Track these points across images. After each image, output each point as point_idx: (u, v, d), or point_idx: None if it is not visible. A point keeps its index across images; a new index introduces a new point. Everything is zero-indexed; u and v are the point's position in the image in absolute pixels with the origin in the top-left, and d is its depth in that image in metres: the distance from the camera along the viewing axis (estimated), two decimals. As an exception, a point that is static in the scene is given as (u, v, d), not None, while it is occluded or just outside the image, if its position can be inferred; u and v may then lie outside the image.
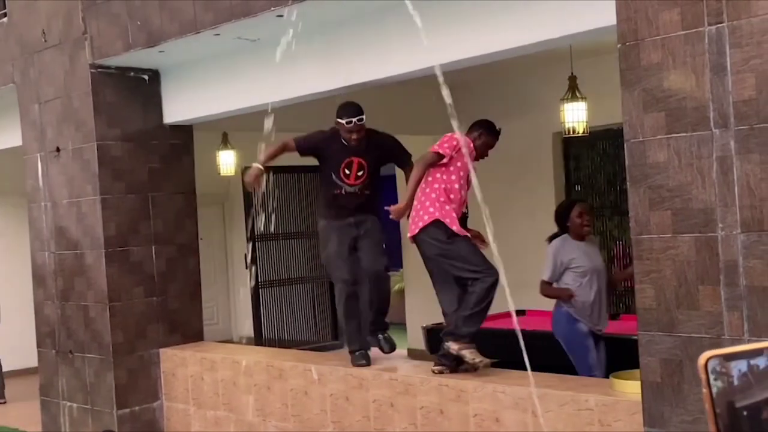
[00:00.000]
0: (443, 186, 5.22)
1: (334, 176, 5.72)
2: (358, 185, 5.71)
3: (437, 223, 5.15)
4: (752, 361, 0.78)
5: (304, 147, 5.82)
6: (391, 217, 5.36)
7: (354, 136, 5.58)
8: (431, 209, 5.18)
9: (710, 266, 3.67)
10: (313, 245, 12.01)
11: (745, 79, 3.54)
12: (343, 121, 5.55)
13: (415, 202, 5.26)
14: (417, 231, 5.22)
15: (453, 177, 5.25)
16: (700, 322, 3.72)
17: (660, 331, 3.86)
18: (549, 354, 5.67)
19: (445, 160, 5.20)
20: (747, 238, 3.57)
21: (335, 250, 5.79)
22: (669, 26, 3.74)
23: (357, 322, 5.86)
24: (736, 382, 0.78)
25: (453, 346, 5.10)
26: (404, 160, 5.86)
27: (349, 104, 5.64)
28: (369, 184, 5.74)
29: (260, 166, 5.65)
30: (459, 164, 5.24)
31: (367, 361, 5.78)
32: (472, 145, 5.27)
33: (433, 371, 5.29)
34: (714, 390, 0.77)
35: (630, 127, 3.92)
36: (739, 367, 0.79)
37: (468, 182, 5.30)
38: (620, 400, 4.41)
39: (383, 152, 5.80)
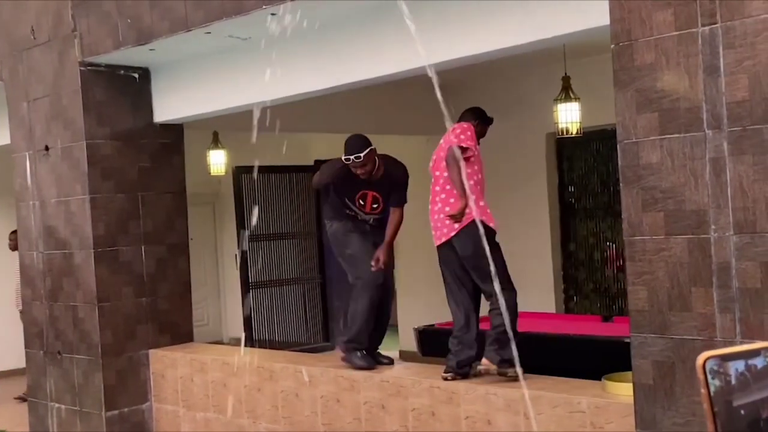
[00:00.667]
0: (473, 180, 5.10)
1: (347, 201, 5.75)
2: (374, 215, 5.76)
3: (474, 224, 4.97)
4: (749, 361, 0.80)
5: (322, 185, 5.90)
6: (454, 220, 4.99)
7: (359, 171, 5.55)
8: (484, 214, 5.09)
9: (703, 268, 3.69)
10: (304, 246, 12.04)
11: (738, 80, 3.55)
12: (344, 158, 5.55)
13: (438, 204, 5.17)
14: (453, 234, 5.06)
15: (477, 167, 5.17)
16: (692, 324, 3.74)
17: (652, 333, 3.88)
18: (542, 356, 5.69)
19: (471, 153, 5.11)
20: (740, 240, 3.58)
21: (359, 248, 5.75)
22: (662, 27, 3.75)
23: (372, 322, 5.78)
24: (733, 382, 0.79)
25: (509, 371, 4.96)
26: (399, 200, 5.79)
27: (350, 140, 5.60)
28: (383, 210, 5.77)
29: None
30: (477, 153, 5.19)
31: (370, 364, 5.74)
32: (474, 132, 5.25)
33: (445, 378, 5.21)
34: (712, 389, 0.78)
35: (623, 127, 3.93)
36: (736, 367, 0.80)
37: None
38: (612, 402, 4.43)
39: (392, 183, 5.76)
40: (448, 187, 5.13)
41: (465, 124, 5.20)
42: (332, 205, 5.93)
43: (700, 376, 0.81)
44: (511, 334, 4.89)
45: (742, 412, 0.79)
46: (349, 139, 5.63)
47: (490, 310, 5.14)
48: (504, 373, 4.97)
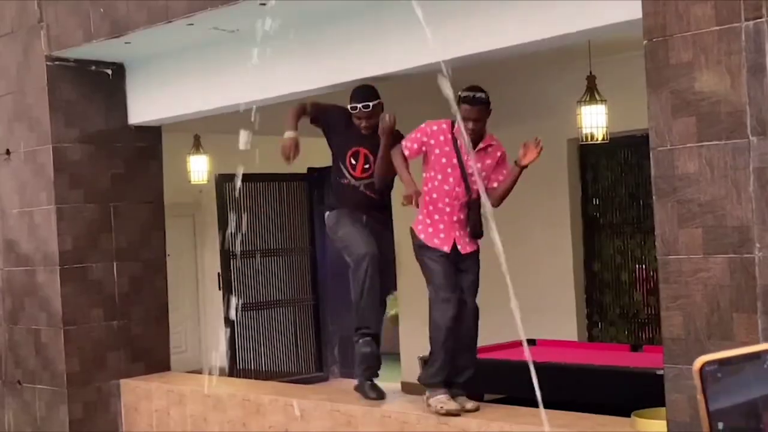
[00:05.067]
0: (425, 188, 5.30)
1: (340, 164, 5.83)
2: (363, 180, 5.75)
3: (412, 233, 5.37)
4: (748, 365, 0.82)
5: (315, 114, 5.90)
6: (403, 204, 5.25)
7: (363, 124, 5.67)
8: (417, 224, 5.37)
9: (746, 291, 3.69)
10: (295, 264, 12.03)
11: (786, 82, 3.57)
12: (349, 107, 5.67)
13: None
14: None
15: (432, 173, 5.28)
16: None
17: (689, 365, 3.86)
18: (563, 389, 5.69)
19: (406, 154, 5.29)
20: (787, 260, 3.59)
21: (350, 228, 5.79)
22: (701, 21, 3.77)
23: (377, 298, 5.86)
24: (732, 386, 0.82)
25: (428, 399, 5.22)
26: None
27: (359, 88, 5.71)
28: (372, 173, 5.74)
29: (293, 134, 5.67)
30: (435, 155, 5.27)
31: (380, 395, 5.77)
32: (451, 127, 5.29)
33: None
34: (709, 394, 0.82)
35: (656, 133, 3.94)
36: (735, 370, 0.83)
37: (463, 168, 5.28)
38: (644, 442, 4.43)
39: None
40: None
41: (426, 123, 5.36)
42: (333, 184, 6.03)
43: (697, 381, 0.84)
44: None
45: (741, 415, 0.82)
46: (358, 88, 5.71)
47: None
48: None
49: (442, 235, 5.27)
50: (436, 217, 5.28)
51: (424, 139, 5.26)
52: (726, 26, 3.71)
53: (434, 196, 5.28)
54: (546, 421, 4.58)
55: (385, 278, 5.97)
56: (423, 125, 5.35)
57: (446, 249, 5.26)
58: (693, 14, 3.80)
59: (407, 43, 5.26)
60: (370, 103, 5.62)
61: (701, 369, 0.83)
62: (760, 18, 3.61)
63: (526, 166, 5.24)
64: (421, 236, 5.30)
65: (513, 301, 4.95)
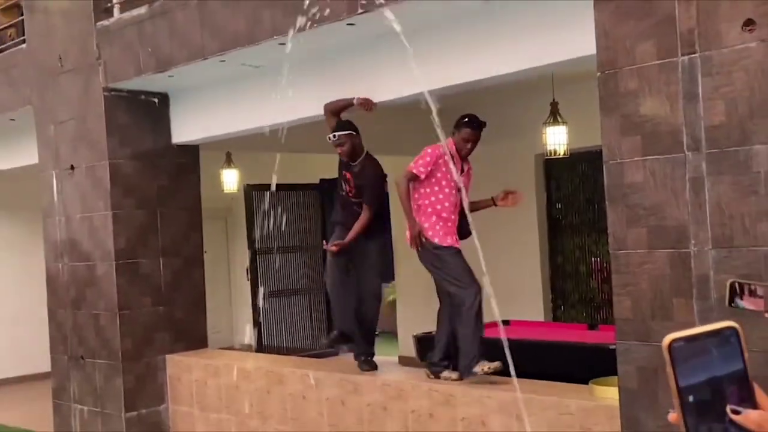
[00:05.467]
0: (429, 201, 5.24)
1: (340, 179, 5.83)
2: (353, 199, 5.73)
3: (425, 239, 5.21)
4: (712, 340, 0.79)
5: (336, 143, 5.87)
6: (410, 246, 5.29)
7: (338, 150, 5.65)
8: (429, 231, 5.21)
9: (683, 280, 3.68)
10: (310, 259, 12.00)
11: (715, 106, 3.55)
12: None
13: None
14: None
15: (437, 188, 5.25)
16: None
17: (636, 341, 3.86)
18: (532, 361, 5.66)
19: (422, 178, 5.21)
20: (718, 254, 3.57)
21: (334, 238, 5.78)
22: (645, 56, 3.76)
23: (342, 305, 5.88)
24: (697, 361, 0.80)
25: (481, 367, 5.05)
26: (366, 198, 5.69)
27: (337, 121, 5.68)
28: (357, 195, 5.69)
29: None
30: (441, 173, 5.23)
31: (372, 367, 5.78)
32: (454, 147, 5.26)
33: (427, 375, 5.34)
34: (677, 368, 0.79)
35: (609, 149, 3.92)
36: (699, 346, 0.80)
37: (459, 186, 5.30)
38: (599, 405, 4.41)
39: (365, 178, 5.69)
40: (420, 210, 5.28)
41: (429, 148, 5.25)
42: (337, 190, 6.00)
43: (666, 356, 0.82)
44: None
45: (707, 388, 0.79)
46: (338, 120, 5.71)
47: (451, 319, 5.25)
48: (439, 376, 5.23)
49: (450, 236, 5.22)
50: (443, 223, 5.21)
51: (435, 161, 5.21)
52: (665, 60, 3.70)
53: (445, 205, 5.23)
54: (518, 388, 4.57)
55: (364, 314, 5.85)
56: (429, 150, 5.23)
57: (458, 246, 5.22)
58: (638, 50, 3.79)
59: (398, 76, 5.24)
60: (336, 134, 5.57)
61: (669, 345, 0.80)
62: (694, 54, 3.60)
63: (496, 205, 5.44)
64: (436, 240, 5.17)
65: (489, 289, 4.95)
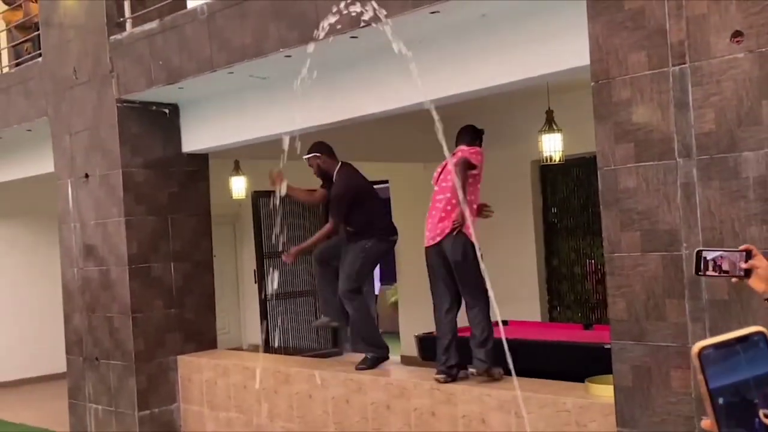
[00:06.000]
0: (474, 197, 5.20)
1: None
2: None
3: (464, 233, 5.09)
4: (740, 346, 0.78)
5: None
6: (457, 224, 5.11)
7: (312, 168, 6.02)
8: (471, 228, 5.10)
9: (675, 281, 3.68)
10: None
11: (705, 114, 3.55)
12: None
13: (433, 211, 5.20)
14: (440, 238, 5.12)
15: (473, 188, 5.24)
16: (667, 332, 3.72)
17: (631, 340, 3.85)
18: (530, 360, 5.65)
19: (475, 171, 5.17)
20: (708, 257, 3.56)
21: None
22: (637, 66, 3.76)
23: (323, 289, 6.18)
24: (727, 365, 0.78)
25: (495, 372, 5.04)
26: (330, 213, 6.06)
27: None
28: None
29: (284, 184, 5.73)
30: (479, 176, 5.25)
31: (368, 366, 5.81)
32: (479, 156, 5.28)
33: (438, 380, 5.17)
34: (709, 374, 0.78)
35: (603, 156, 3.92)
36: (728, 351, 0.78)
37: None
38: (595, 402, 4.40)
39: (331, 196, 5.97)
40: (444, 195, 5.17)
41: (479, 149, 5.24)
42: None
43: (696, 363, 0.79)
44: (487, 337, 5.04)
45: (737, 391, 0.77)
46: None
47: (470, 320, 5.16)
48: (492, 375, 5.02)
49: None
50: (473, 223, 5.15)
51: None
52: (657, 71, 3.70)
53: (473, 207, 5.22)
54: (517, 386, 4.57)
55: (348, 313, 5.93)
56: (479, 149, 5.26)
57: None
58: (630, 61, 3.79)
59: (403, 86, 5.24)
60: (307, 155, 5.90)
61: (700, 353, 0.78)
62: (684, 64, 3.61)
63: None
64: (473, 238, 5.07)
65: (490, 291, 4.95)
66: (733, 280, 1.93)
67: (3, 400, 9.21)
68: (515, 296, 8.35)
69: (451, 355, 5.17)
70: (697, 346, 0.78)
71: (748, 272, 1.88)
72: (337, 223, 5.85)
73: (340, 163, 5.97)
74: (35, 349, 10.01)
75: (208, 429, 6.82)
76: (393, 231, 6.02)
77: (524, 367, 5.00)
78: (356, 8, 4.58)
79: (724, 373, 0.77)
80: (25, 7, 8.98)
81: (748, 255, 1.89)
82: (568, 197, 9.02)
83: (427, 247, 5.27)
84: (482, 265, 4.90)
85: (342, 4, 4.62)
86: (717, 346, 0.78)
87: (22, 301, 10.34)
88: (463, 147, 5.29)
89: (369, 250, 5.82)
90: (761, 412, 0.75)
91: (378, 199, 6.34)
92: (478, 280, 4.94)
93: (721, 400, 0.77)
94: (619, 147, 3.85)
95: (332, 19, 4.78)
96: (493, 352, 5.04)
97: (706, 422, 0.77)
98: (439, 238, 5.15)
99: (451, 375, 5.15)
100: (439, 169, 5.38)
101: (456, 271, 5.13)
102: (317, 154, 5.91)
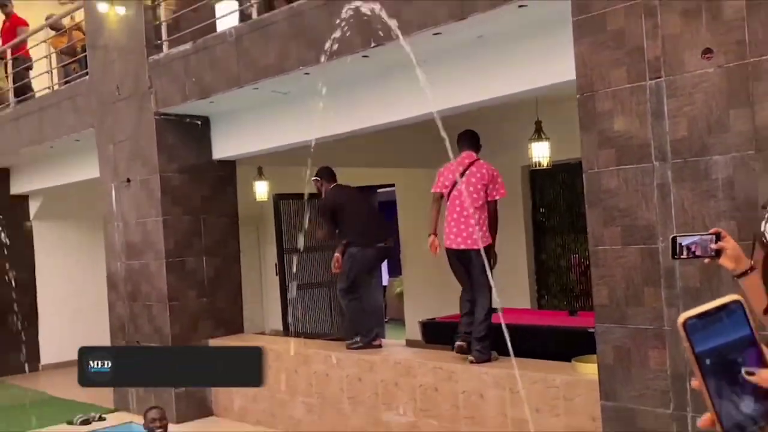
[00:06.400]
0: (472, 211, 5.02)
1: None
2: None
3: (486, 249, 5.00)
4: (720, 314, 0.78)
5: None
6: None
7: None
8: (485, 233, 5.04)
9: (653, 271, 3.67)
10: (328, 257, 11.96)
11: (679, 123, 3.55)
12: None
13: (463, 218, 5.04)
14: (468, 248, 5.00)
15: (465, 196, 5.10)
16: (645, 316, 3.72)
17: (613, 323, 3.85)
18: (522, 343, 5.64)
19: (444, 194, 5.09)
20: (682, 249, 3.56)
21: None
22: (618, 81, 3.76)
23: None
24: (710, 331, 0.77)
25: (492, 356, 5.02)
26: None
27: None
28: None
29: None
30: (465, 184, 5.06)
31: (357, 347, 5.97)
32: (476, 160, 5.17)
33: (472, 361, 5.04)
34: (694, 340, 0.76)
35: (587, 161, 3.93)
36: (710, 319, 0.78)
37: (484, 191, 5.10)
38: (581, 379, 4.41)
39: None
40: (471, 210, 5.00)
41: (496, 171, 5.11)
42: None
43: (682, 332, 0.78)
44: (486, 328, 4.99)
45: (721, 353, 0.77)
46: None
47: (475, 317, 5.07)
48: (489, 359, 5.00)
49: None
50: None
51: None
52: (636, 84, 3.70)
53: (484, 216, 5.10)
54: (512, 366, 4.57)
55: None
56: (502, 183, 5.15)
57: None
58: (612, 76, 3.79)
59: (411, 99, 5.25)
60: (314, 178, 6.20)
61: (685, 323, 0.78)
62: (660, 78, 3.61)
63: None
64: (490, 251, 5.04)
65: (493, 290, 4.92)
66: (706, 260, 1.93)
67: (55, 379, 9.24)
68: (508, 287, 8.32)
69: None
70: (682, 317, 0.78)
71: (718, 253, 1.89)
72: (324, 231, 6.48)
73: (333, 185, 6.23)
74: (84, 334, 10.01)
75: (236, 404, 6.83)
76: (381, 239, 6.13)
77: (516, 349, 5.01)
78: (370, 27, 4.59)
79: (708, 338, 0.77)
80: (69, 33, 9.05)
81: (718, 237, 1.89)
82: (555, 199, 9.00)
83: (449, 248, 5.11)
84: (489, 272, 4.89)
85: (352, 21, 4.64)
86: (700, 316, 0.77)
87: (73, 292, 10.37)
88: (471, 153, 5.20)
89: (355, 257, 6.03)
90: (743, 370, 0.76)
91: (367, 213, 6.47)
92: (486, 281, 4.94)
93: (707, 362, 0.76)
94: (602, 152, 3.85)
95: (346, 40, 4.80)
96: (490, 344, 5.02)
97: (695, 382, 0.77)
98: (463, 246, 5.02)
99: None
100: (461, 179, 5.08)
101: (474, 274, 5.07)
102: (317, 178, 6.24)
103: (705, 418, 0.78)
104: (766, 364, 0.75)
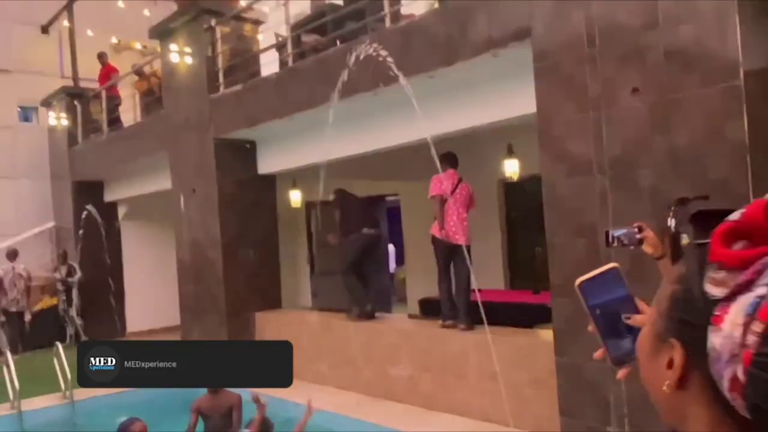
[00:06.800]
0: (464, 215, 5.19)
1: None
2: None
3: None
4: (604, 276, 0.80)
5: None
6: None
7: None
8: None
9: (594, 258, 3.69)
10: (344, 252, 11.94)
11: (614, 144, 3.60)
12: None
13: (456, 219, 5.17)
14: (465, 244, 5.14)
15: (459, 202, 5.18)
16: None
17: (564, 298, 3.90)
18: (496, 315, 5.68)
19: (446, 198, 5.14)
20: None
21: None
22: (569, 112, 3.81)
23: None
24: (598, 289, 0.80)
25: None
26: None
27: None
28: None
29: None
30: (458, 196, 5.18)
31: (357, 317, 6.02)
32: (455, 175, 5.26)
33: (445, 326, 5.16)
34: (587, 296, 0.81)
35: (546, 174, 3.97)
36: (598, 281, 0.80)
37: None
38: (542, 341, 4.45)
39: None
40: (462, 207, 5.19)
41: (473, 191, 5.26)
42: None
43: (578, 292, 0.80)
44: (468, 308, 5.04)
45: (607, 305, 0.79)
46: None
47: (457, 297, 5.15)
48: (471, 327, 5.05)
49: None
50: None
51: None
52: (581, 115, 3.74)
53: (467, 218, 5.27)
54: (488, 331, 4.62)
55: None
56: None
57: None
58: (564, 109, 3.83)
59: (409, 125, 5.28)
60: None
61: (580, 285, 0.80)
62: (600, 110, 3.66)
63: None
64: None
65: (472, 276, 4.95)
66: (632, 248, 1.99)
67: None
68: (487, 273, 8.34)
69: (450, 305, 5.23)
70: (578, 280, 0.81)
71: (641, 241, 1.95)
72: (333, 236, 6.55)
73: (338, 189, 6.38)
74: (159, 309, 10.13)
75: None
76: (369, 227, 6.20)
77: (492, 319, 5.05)
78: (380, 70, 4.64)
79: (597, 295, 0.79)
80: (149, 78, 9.19)
81: (640, 229, 1.95)
82: (524, 205, 9.00)
83: (441, 239, 5.16)
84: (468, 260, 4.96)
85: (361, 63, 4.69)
86: (590, 279, 0.80)
87: (151, 276, 10.47)
88: (453, 171, 5.28)
89: (346, 243, 6.17)
90: (623, 316, 0.81)
91: (357, 209, 6.47)
92: (467, 269, 5.03)
93: (597, 312, 0.80)
94: (556, 167, 3.90)
95: (358, 81, 4.85)
96: (471, 315, 5.08)
97: (591, 327, 0.83)
98: (454, 242, 5.11)
99: (453, 317, 5.15)
100: (452, 189, 5.22)
101: (455, 262, 5.16)
102: (334, 196, 6.34)
103: (598, 352, 0.83)
104: (639, 312, 0.81)
